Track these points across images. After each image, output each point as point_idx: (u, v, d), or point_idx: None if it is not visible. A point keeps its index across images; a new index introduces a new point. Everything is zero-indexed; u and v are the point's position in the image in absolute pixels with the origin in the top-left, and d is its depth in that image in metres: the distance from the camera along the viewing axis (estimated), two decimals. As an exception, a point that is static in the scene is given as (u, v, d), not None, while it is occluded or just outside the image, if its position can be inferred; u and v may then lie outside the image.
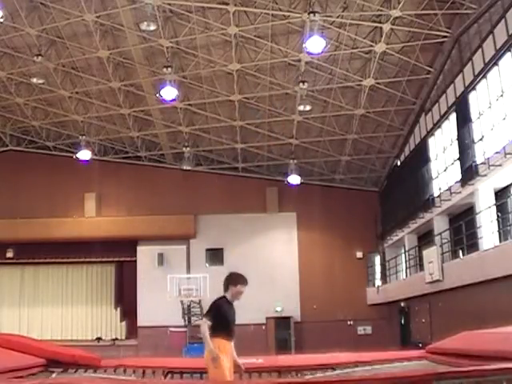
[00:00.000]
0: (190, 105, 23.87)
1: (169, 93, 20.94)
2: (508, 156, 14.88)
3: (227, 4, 17.84)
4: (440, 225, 20.34)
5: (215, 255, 28.44)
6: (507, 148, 14.87)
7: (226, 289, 6.55)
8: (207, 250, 28.46)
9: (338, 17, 18.03)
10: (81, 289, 29.75)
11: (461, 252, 18.28)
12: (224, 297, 6.38)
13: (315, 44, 17.70)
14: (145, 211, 27.80)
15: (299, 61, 20.29)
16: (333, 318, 26.69)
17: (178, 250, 28.26)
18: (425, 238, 22.87)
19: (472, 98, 17.49)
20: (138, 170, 28.88)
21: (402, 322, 25.09)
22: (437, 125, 20.59)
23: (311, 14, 16.97)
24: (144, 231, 27.58)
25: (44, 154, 28.84)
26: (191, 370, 8.96)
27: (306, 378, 5.28)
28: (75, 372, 6.40)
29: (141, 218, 27.71)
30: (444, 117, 19.83)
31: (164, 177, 28.63)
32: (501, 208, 16.54)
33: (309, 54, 19.06)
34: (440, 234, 19.71)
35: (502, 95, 15.55)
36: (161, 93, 21.02)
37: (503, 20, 15.21)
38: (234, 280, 6.61)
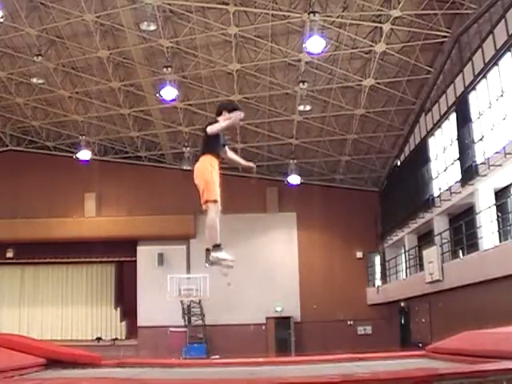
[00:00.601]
0: (190, 105, 23.87)
1: (169, 93, 20.97)
2: (508, 156, 14.89)
3: (227, 4, 17.85)
4: (440, 225, 20.34)
5: (215, 255, 28.40)
6: (507, 148, 14.87)
7: (218, 114, 6.45)
8: (207, 250, 28.41)
9: (337, 17, 18.04)
10: (81, 289, 29.75)
11: (461, 252, 18.29)
12: (217, 121, 6.36)
13: (315, 44, 17.73)
14: (145, 211, 27.80)
15: (299, 61, 20.29)
16: (333, 318, 26.69)
17: (178, 250, 28.27)
18: (425, 238, 22.88)
19: (472, 98, 17.50)
20: (138, 170, 28.88)
21: (402, 321, 25.10)
22: (437, 125, 20.60)
23: (311, 14, 17.00)
24: (144, 231, 27.58)
25: (44, 154, 28.84)
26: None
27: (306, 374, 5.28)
28: (75, 370, 6.40)
29: (141, 218, 27.71)
30: (444, 117, 19.83)
31: (164, 177, 28.62)
32: (501, 208, 16.55)
33: (309, 53, 19.08)
34: (440, 234, 19.71)
35: (502, 95, 15.55)
36: (161, 93, 21.05)
37: (503, 20, 15.22)
38: (230, 106, 6.59)
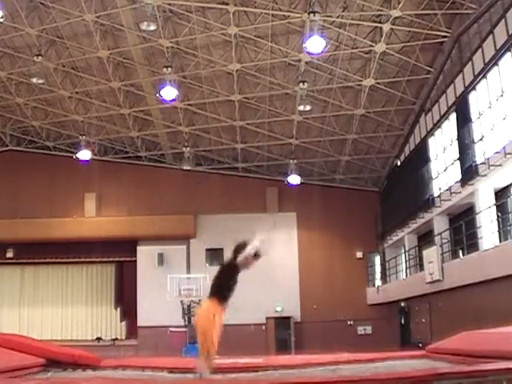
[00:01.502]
0: (190, 105, 23.87)
1: (169, 93, 20.97)
2: (508, 156, 14.89)
3: (227, 4, 17.85)
4: (440, 225, 20.34)
5: (215, 255, 28.39)
6: (507, 148, 14.87)
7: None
8: (207, 249, 28.45)
9: (338, 17, 18.04)
10: (81, 289, 29.75)
11: (461, 252, 18.28)
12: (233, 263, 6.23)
13: (315, 44, 17.72)
14: (145, 211, 27.79)
15: (299, 61, 20.29)
16: (333, 317, 26.68)
17: (177, 250, 28.26)
18: (425, 238, 22.87)
19: (472, 98, 17.50)
20: (138, 170, 28.87)
21: (402, 322, 25.10)
22: (437, 125, 20.59)
23: (311, 14, 16.98)
24: (144, 231, 27.57)
25: (44, 154, 28.84)
26: (191, 371, 8.92)
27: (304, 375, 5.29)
28: (74, 371, 6.40)
29: (141, 218, 27.70)
30: (444, 117, 19.83)
31: (164, 177, 28.62)
32: (501, 208, 16.54)
33: (309, 53, 19.07)
34: (440, 234, 19.71)
35: (502, 95, 15.55)
36: (161, 93, 21.04)
37: (503, 20, 15.22)
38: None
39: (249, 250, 6.08)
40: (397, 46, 19.30)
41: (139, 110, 24.64)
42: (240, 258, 6.21)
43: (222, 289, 6.17)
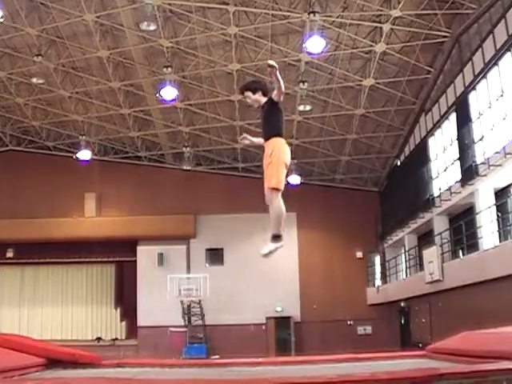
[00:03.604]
0: (190, 105, 23.88)
1: (169, 93, 20.98)
2: (508, 156, 14.90)
3: (227, 4, 17.85)
4: (440, 225, 20.34)
5: (215, 255, 28.44)
6: (507, 148, 14.88)
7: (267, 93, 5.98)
8: (207, 249, 28.46)
9: (337, 17, 18.04)
10: (81, 289, 29.75)
11: (461, 252, 18.29)
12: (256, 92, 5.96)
13: (315, 44, 17.74)
14: (145, 211, 27.80)
15: (299, 61, 20.29)
16: (333, 317, 26.68)
17: (177, 250, 28.27)
18: (425, 238, 22.88)
19: (472, 97, 17.51)
20: (138, 169, 28.88)
21: (402, 321, 25.11)
22: (437, 125, 20.61)
23: (311, 14, 17.00)
24: (144, 231, 27.57)
25: (44, 154, 28.84)
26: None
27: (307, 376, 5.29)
28: (75, 370, 6.41)
29: (141, 218, 27.71)
30: (444, 117, 19.84)
31: (164, 177, 28.63)
32: (501, 208, 16.55)
33: (309, 53, 19.08)
34: (440, 233, 19.71)
35: (502, 95, 15.56)
36: (161, 93, 21.05)
37: (503, 20, 15.23)
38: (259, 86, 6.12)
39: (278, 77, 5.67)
40: (397, 46, 19.31)
41: (139, 109, 24.64)
42: (270, 94, 5.91)
43: (280, 120, 5.96)
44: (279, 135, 5.93)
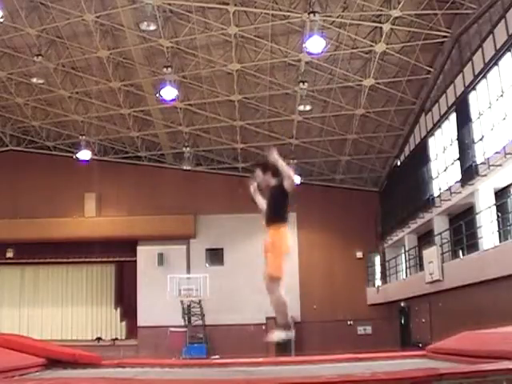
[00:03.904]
0: (190, 105, 23.87)
1: (169, 93, 20.98)
2: (508, 156, 14.90)
3: (227, 4, 17.85)
4: (440, 225, 20.34)
5: (215, 255, 28.44)
6: (507, 148, 14.88)
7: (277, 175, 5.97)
8: (207, 249, 28.46)
9: (337, 17, 18.04)
10: (81, 289, 29.76)
11: (461, 252, 18.29)
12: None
13: (315, 44, 17.74)
14: (145, 211, 27.79)
15: (299, 61, 20.29)
16: (333, 317, 26.69)
17: (177, 250, 28.26)
18: (425, 238, 22.88)
19: (472, 97, 17.51)
20: (138, 170, 28.88)
21: (402, 321, 25.11)
22: (437, 125, 20.60)
23: (311, 14, 16.99)
24: (144, 231, 27.57)
25: (44, 154, 28.84)
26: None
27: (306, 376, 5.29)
28: (75, 370, 6.40)
29: (141, 218, 27.71)
30: (444, 117, 19.84)
31: (164, 177, 28.63)
32: (501, 208, 16.55)
33: (309, 53, 19.08)
34: (440, 233, 19.71)
35: (502, 95, 15.55)
36: (161, 93, 21.04)
37: (503, 20, 15.23)
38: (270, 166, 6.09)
39: (281, 166, 5.78)
40: (397, 46, 19.31)
41: (139, 109, 24.64)
42: (281, 178, 5.90)
43: (285, 208, 5.90)
44: (283, 222, 5.88)
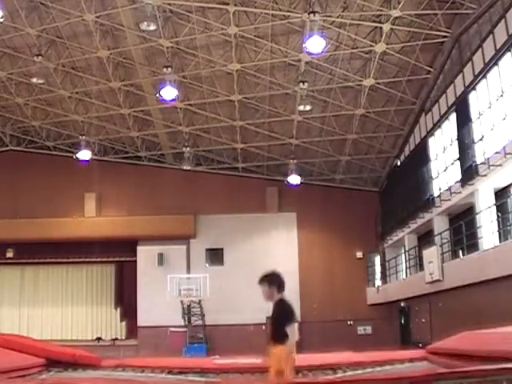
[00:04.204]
0: (190, 105, 23.87)
1: (169, 93, 20.95)
2: (508, 156, 14.89)
3: (227, 4, 17.85)
4: (440, 225, 20.34)
5: (215, 255, 28.44)
6: (507, 148, 14.87)
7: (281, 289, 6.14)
8: (207, 249, 28.46)
9: (337, 17, 18.03)
10: (81, 289, 29.76)
11: (461, 252, 18.29)
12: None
13: (315, 44, 17.71)
14: (145, 211, 27.79)
15: (299, 61, 20.29)
16: (333, 317, 26.68)
17: (177, 250, 28.26)
18: (425, 238, 22.87)
19: (472, 98, 17.50)
20: (138, 170, 28.88)
21: (402, 321, 25.10)
22: (437, 125, 20.59)
23: (311, 14, 16.98)
24: (144, 231, 27.57)
25: (44, 154, 28.84)
26: (191, 370, 8.94)
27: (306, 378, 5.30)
28: (75, 371, 6.40)
29: (141, 218, 27.71)
30: (444, 117, 19.83)
31: (164, 177, 28.63)
32: (501, 208, 16.54)
33: (309, 53, 19.06)
34: (440, 233, 19.71)
35: (502, 95, 15.55)
36: (161, 93, 21.03)
37: (503, 20, 15.22)
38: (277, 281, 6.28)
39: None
40: (397, 46, 19.30)
41: (139, 109, 24.64)
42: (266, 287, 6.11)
43: (280, 331, 6.04)
44: (282, 342, 5.99)
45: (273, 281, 6.23)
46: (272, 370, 5.83)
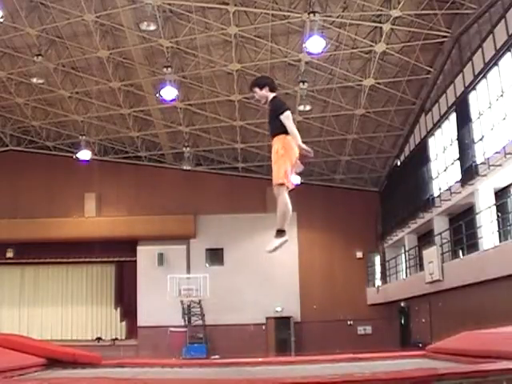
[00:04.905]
0: (190, 105, 23.88)
1: (169, 93, 20.97)
2: (508, 156, 14.90)
3: (227, 4, 17.85)
4: (440, 225, 20.34)
5: (215, 255, 28.44)
6: (507, 148, 14.88)
7: (255, 86, 6.08)
8: (207, 249, 28.46)
9: (337, 17, 18.04)
10: (81, 289, 29.76)
11: (461, 252, 18.29)
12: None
13: (315, 44, 17.74)
14: (145, 211, 27.79)
15: (299, 61, 20.30)
16: (333, 317, 26.68)
17: (177, 250, 28.26)
18: (425, 238, 22.88)
19: (472, 97, 17.51)
20: (138, 169, 28.88)
21: (402, 322, 25.11)
22: (437, 125, 20.60)
23: (311, 14, 17.00)
24: (144, 231, 27.57)
25: (44, 154, 28.84)
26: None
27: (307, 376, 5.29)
28: (75, 370, 6.40)
29: (141, 218, 27.71)
30: (444, 117, 19.84)
31: (164, 177, 28.63)
32: (501, 208, 16.55)
33: (309, 53, 19.08)
34: (440, 233, 19.71)
35: (502, 95, 15.56)
36: (161, 93, 21.04)
37: (503, 20, 15.23)
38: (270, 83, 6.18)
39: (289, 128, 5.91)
40: (397, 46, 19.31)
41: (139, 109, 24.64)
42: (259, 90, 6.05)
43: (280, 127, 5.99)
44: (285, 133, 5.99)
45: (262, 82, 6.17)
46: (278, 159, 6.03)
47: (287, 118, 5.88)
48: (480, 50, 16.70)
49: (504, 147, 15.02)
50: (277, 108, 5.99)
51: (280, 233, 5.97)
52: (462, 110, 18.11)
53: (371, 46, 19.14)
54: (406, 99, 22.13)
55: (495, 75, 16.02)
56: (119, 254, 28.94)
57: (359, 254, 28.32)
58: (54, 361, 6.51)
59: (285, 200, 5.95)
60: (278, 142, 6.09)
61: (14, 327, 26.54)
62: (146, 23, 18.87)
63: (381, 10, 17.47)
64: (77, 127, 26.49)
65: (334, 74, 21.16)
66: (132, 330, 28.21)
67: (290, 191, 6.07)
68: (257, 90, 6.13)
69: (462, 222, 18.06)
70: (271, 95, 6.12)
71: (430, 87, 21.03)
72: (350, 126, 24.01)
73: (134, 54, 21.10)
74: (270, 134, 6.22)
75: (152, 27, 18.99)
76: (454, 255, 18.68)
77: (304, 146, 5.91)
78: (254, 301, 26.56)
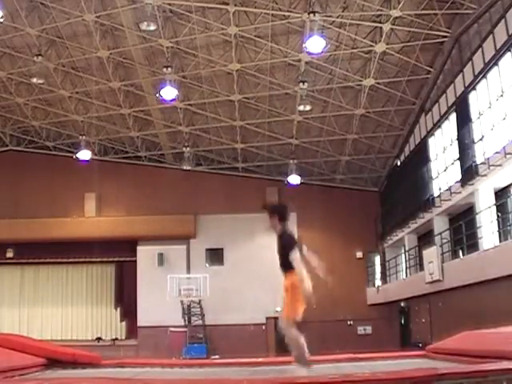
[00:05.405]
0: (190, 105, 23.87)
1: (169, 93, 20.97)
2: (508, 156, 14.89)
3: (227, 4, 17.85)
4: (440, 225, 20.33)
5: (215, 255, 28.43)
6: (507, 148, 14.87)
7: (269, 212, 6.10)
8: (207, 249, 28.45)
9: (337, 17, 18.04)
10: (81, 289, 29.75)
11: (461, 252, 18.29)
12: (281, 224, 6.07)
13: (315, 44, 17.74)
14: (145, 211, 27.78)
15: (299, 61, 20.29)
16: (333, 318, 26.66)
17: (177, 250, 28.25)
18: (425, 238, 22.87)
19: (472, 98, 17.50)
20: (138, 169, 28.87)
21: (402, 322, 25.10)
22: (437, 125, 20.60)
23: (311, 14, 17.00)
24: (144, 231, 27.56)
25: (44, 154, 28.83)
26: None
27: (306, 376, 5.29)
28: (74, 370, 6.40)
29: (141, 218, 27.69)
30: (444, 117, 19.83)
31: (164, 177, 28.62)
32: (501, 208, 16.54)
33: (309, 53, 19.08)
34: (440, 233, 19.71)
35: (502, 95, 15.55)
36: (161, 93, 21.04)
37: (503, 20, 15.22)
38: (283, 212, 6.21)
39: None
40: (397, 46, 19.31)
41: (139, 109, 24.64)
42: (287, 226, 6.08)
43: (290, 261, 5.99)
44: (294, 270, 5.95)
45: (273, 210, 6.21)
46: (291, 294, 5.94)
47: (296, 261, 5.90)
48: (480, 49, 16.69)
49: (504, 147, 15.01)
50: (286, 245, 6.01)
51: (303, 363, 5.88)
52: (461, 109, 18.11)
53: (371, 46, 19.14)
54: (405, 99, 22.13)
55: (495, 75, 16.01)
56: (119, 253, 28.93)
57: (359, 254, 28.30)
58: (54, 361, 6.51)
59: (294, 336, 5.88)
60: (289, 279, 6.04)
61: (14, 327, 26.55)
62: (145, 23, 18.84)
63: (381, 10, 17.47)
64: (77, 127, 26.49)
65: (334, 74, 21.16)
66: (132, 330, 28.20)
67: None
68: (269, 215, 6.12)
69: (462, 222, 18.06)
70: (280, 228, 6.11)
71: (429, 87, 21.02)
72: (350, 126, 24.01)
73: (133, 53, 21.10)
74: (280, 265, 6.15)
75: (152, 27, 18.97)
76: (454, 255, 18.67)
77: (309, 288, 6.01)
78: (254, 301, 26.54)
